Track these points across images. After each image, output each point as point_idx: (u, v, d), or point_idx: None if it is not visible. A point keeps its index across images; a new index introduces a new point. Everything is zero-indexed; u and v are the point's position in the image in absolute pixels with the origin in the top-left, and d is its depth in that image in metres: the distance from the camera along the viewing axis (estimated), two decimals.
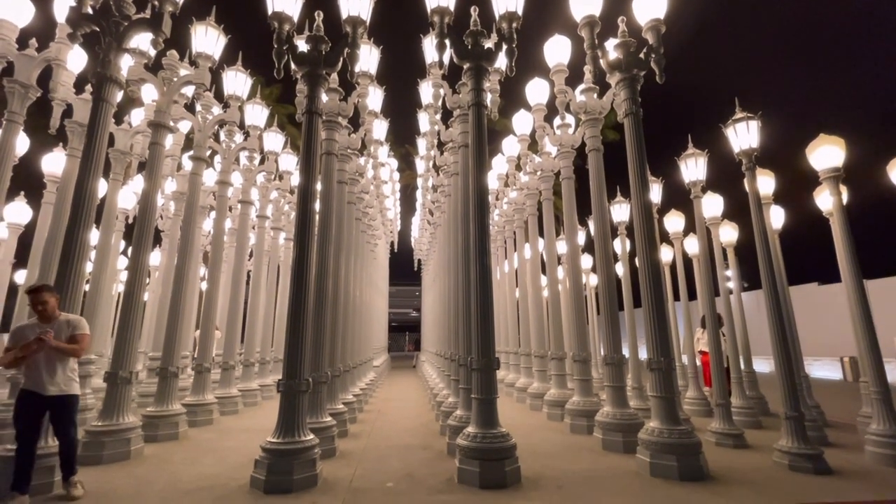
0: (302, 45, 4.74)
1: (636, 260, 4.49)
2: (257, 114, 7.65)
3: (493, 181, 9.14)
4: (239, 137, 7.84)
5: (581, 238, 10.27)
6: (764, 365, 15.53)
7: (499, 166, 9.23)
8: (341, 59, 4.62)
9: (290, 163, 9.17)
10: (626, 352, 5.62)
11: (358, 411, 6.90)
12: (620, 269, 8.21)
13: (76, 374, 3.57)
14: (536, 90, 6.80)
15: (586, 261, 11.72)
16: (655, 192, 7.26)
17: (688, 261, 8.23)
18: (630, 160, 4.59)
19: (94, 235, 7.67)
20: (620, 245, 7.53)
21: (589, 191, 5.64)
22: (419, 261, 19.20)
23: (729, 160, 5.18)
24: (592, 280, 12.22)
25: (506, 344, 10.52)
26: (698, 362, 7.63)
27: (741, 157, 4.94)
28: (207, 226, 10.97)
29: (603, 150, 5.67)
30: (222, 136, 7.45)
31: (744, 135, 4.92)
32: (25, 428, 3.33)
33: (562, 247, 10.38)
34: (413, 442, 5.22)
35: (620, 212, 7.64)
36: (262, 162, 8.44)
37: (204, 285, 10.41)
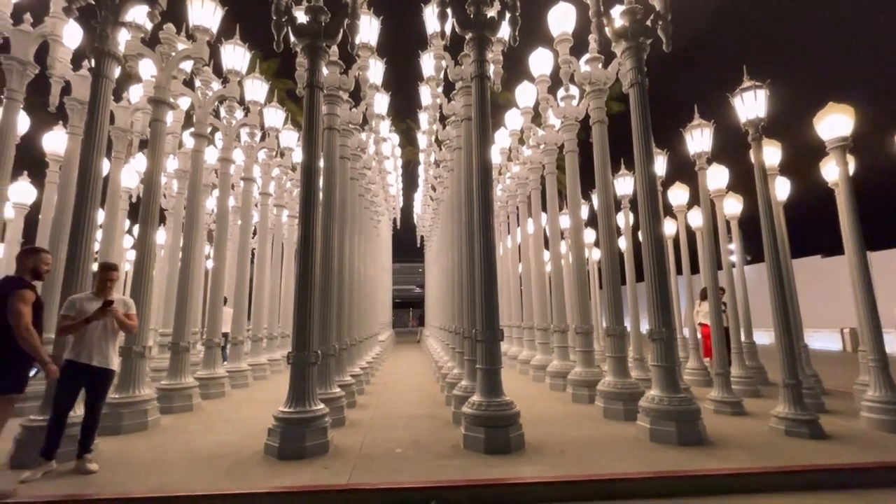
0: (301, 17, 4.64)
1: (639, 234, 4.51)
2: (257, 89, 7.55)
3: (495, 155, 9.06)
4: (239, 114, 7.75)
5: (584, 212, 10.24)
6: (764, 337, 15.71)
7: (502, 140, 9.13)
8: (341, 30, 4.53)
9: (291, 139, 9.09)
10: (627, 325, 5.69)
11: (365, 384, 7.08)
12: (623, 243, 8.23)
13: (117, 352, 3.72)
14: (540, 61, 6.66)
15: (589, 235, 11.72)
16: (660, 165, 7.20)
17: (691, 234, 8.23)
18: (635, 132, 4.54)
19: (99, 215, 7.72)
20: (624, 219, 7.52)
21: (593, 164, 5.60)
22: (422, 237, 19.23)
23: (736, 130, 5.12)
24: (595, 254, 12.25)
25: (509, 318, 10.67)
26: (699, 335, 7.73)
27: (747, 127, 4.88)
28: (210, 204, 11.01)
29: (607, 122, 5.60)
30: (222, 113, 7.37)
31: (751, 104, 4.84)
32: (65, 398, 3.45)
33: (565, 221, 10.37)
34: (419, 412, 5.39)
35: (624, 185, 7.60)
36: (262, 138, 8.38)
37: (210, 263, 10.57)
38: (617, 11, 4.80)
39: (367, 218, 8.91)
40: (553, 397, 6.20)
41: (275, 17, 4.37)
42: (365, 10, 5.65)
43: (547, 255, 9.25)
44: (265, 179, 9.03)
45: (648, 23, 4.56)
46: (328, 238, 5.09)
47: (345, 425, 4.69)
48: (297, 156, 9.27)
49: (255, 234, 11.40)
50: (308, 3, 4.63)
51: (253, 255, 10.52)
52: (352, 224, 6.80)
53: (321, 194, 4.93)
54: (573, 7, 5.88)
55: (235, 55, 6.77)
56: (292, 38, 4.85)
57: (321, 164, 4.81)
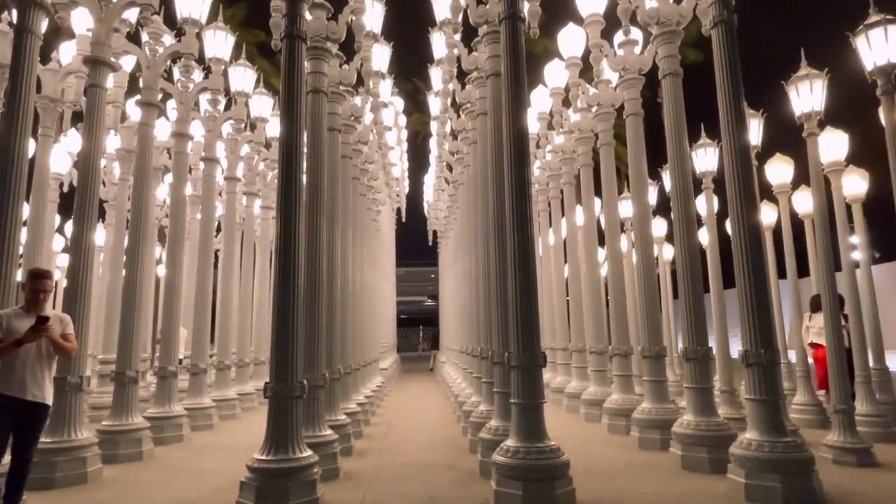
0: None
1: (728, 224, 4.45)
2: (220, 43, 7.71)
3: (532, 122, 9.06)
4: (198, 75, 7.94)
5: (652, 196, 10.13)
6: None
7: (540, 102, 9.13)
8: None
9: (264, 107, 9.27)
10: (712, 345, 5.63)
11: (364, 423, 7.15)
12: (706, 236, 8.12)
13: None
14: None
15: (659, 226, 11.61)
16: (754, 131, 7.09)
17: (798, 223, 8.07)
18: (720, 87, 4.48)
19: (23, 209, 7.98)
20: (706, 204, 7.43)
21: (662, 132, 5.56)
22: (435, 232, 19.33)
23: (854, 84, 5.01)
24: (667, 252, 12.13)
25: (551, 338, 10.65)
26: (810, 359, 7.57)
27: (876, 76, 4.76)
28: (163, 193, 11.28)
29: (682, 75, 5.56)
30: (177, 75, 7.55)
31: (880, 45, 4.72)
32: None
33: (626, 208, 10.29)
34: (435, 460, 5.42)
35: (706, 158, 7.51)
36: (228, 106, 8.56)
37: (162, 269, 10.81)
38: None
39: (363, 208, 9.00)
40: (613, 442, 6.17)
41: None
42: None
43: (602, 254, 9.19)
44: (231, 160, 9.23)
45: None
46: (315, 235, 5.16)
47: (339, 477, 4.75)
48: (273, 128, 9.45)
49: (218, 230, 11.61)
50: None
51: (217, 258, 10.71)
52: (344, 216, 6.88)
53: (304, 178, 5.00)
54: None
55: (194, 1, 6.93)
56: None
57: (304, 138, 4.88)
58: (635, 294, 8.24)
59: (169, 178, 9.38)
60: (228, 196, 9.39)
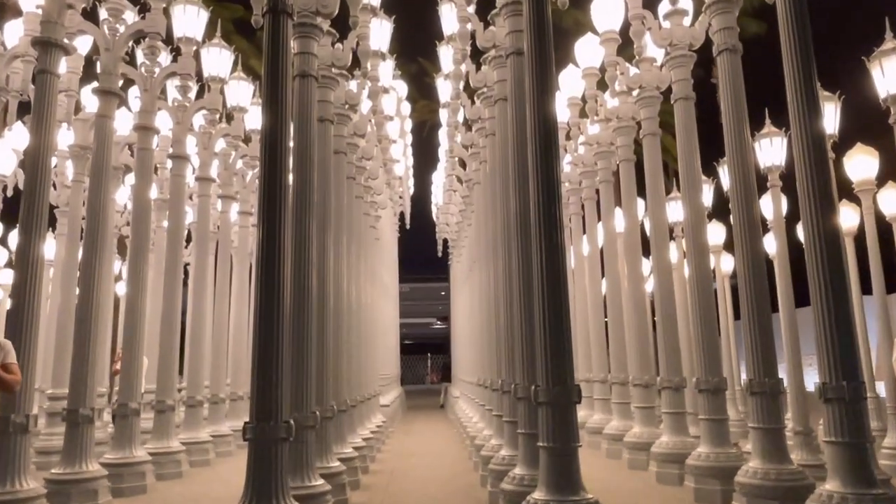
0: None
1: (799, 228, 4.42)
2: (191, 20, 7.85)
3: (562, 110, 9.10)
4: (165, 58, 8.06)
5: (707, 196, 10.09)
6: None
7: (571, 85, 9.16)
8: None
9: (243, 94, 9.39)
10: (783, 376, 5.57)
11: (362, 471, 7.14)
12: (772, 243, 8.06)
13: None
14: None
15: (716, 233, 11.53)
16: (829, 117, 7.05)
17: (885, 227, 8.00)
18: (788, 65, 4.46)
19: None
20: (772, 205, 7.39)
21: (718, 119, 5.55)
22: (445, 241, 19.36)
23: None
24: (726, 263, 12.04)
25: (587, 369, 10.57)
26: None
27: (889, 104, 4.72)
28: (123, 197, 11.44)
29: (741, 50, 5.55)
30: (141, 58, 7.67)
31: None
32: None
33: (676, 211, 10.24)
34: None
35: (772, 150, 7.49)
36: (200, 94, 8.67)
37: (122, 287, 10.90)
38: None
39: (360, 213, 9.06)
40: (664, 492, 6.12)
41: None
42: None
43: (647, 266, 9.15)
44: (204, 157, 9.35)
45: None
46: (303, 245, 5.20)
47: None
48: (254, 119, 9.55)
49: (189, 240, 11.72)
50: None
51: (187, 273, 10.81)
52: (337, 223, 6.93)
53: (291, 177, 5.05)
54: None
55: None
56: None
57: (291, 130, 4.93)
58: (688, 314, 8.16)
59: (131, 178, 9.52)
60: (200, 200, 9.50)
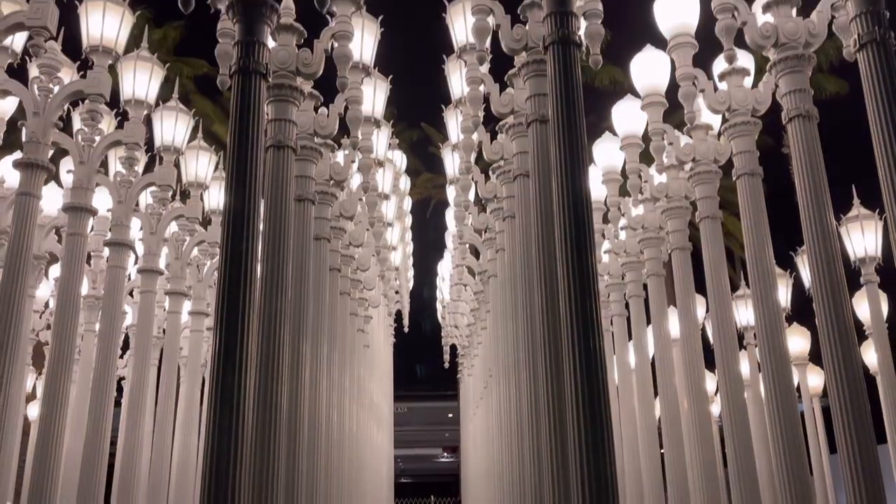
0: None
1: None
2: (143, 78, 8.17)
3: (597, 187, 9.23)
4: (108, 124, 8.34)
5: (783, 295, 10.07)
6: None
7: (608, 156, 9.33)
8: None
9: (202, 167, 9.62)
10: None
11: None
12: (871, 353, 7.98)
13: None
14: (672, 6, 6.99)
15: (798, 339, 11.43)
16: None
17: None
18: (876, 134, 4.60)
19: None
20: (868, 304, 7.37)
21: (793, 198, 5.62)
22: (453, 348, 19.19)
23: None
24: (813, 379, 11.86)
25: None
26: None
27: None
28: (45, 293, 11.50)
29: (817, 116, 5.71)
30: (78, 123, 7.94)
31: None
32: None
33: (746, 312, 10.19)
34: None
35: (863, 238, 7.54)
36: (150, 168, 8.89)
37: (34, 410, 10.67)
38: None
39: (345, 313, 9.06)
40: None
41: None
42: None
43: (712, 380, 9.02)
44: (151, 243, 9.41)
45: None
46: (272, 354, 5.16)
47: None
48: (215, 198, 9.74)
49: (126, 347, 11.69)
50: None
51: (120, 390, 10.70)
52: (316, 326, 6.92)
53: (260, 269, 5.11)
54: None
55: (107, 19, 7.45)
56: None
57: (261, 211, 5.04)
58: (768, 444, 7.95)
59: (56, 270, 9.60)
60: (143, 297, 9.52)
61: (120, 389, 9.78)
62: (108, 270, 8.62)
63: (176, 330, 10.60)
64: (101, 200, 8.83)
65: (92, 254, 10.05)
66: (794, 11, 5.85)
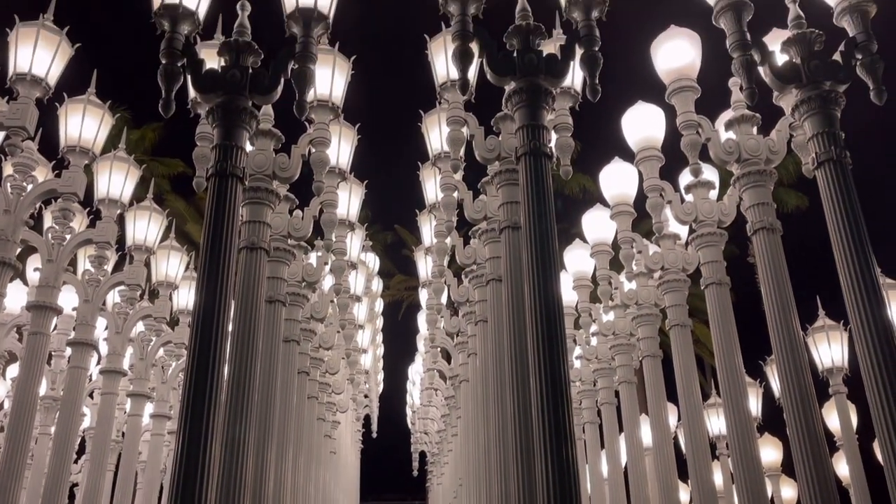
0: (211, 58, 5.30)
1: (875, 446, 4.41)
2: (119, 178, 8.25)
3: (568, 292, 9.31)
4: (80, 223, 8.36)
5: (754, 405, 10.10)
6: None
7: (578, 263, 9.47)
8: (282, 80, 5.14)
9: (173, 266, 9.61)
10: None
11: None
12: (843, 464, 7.96)
13: None
14: (639, 121, 7.28)
15: (770, 449, 11.37)
16: None
17: None
18: (837, 248, 4.76)
19: None
20: (838, 416, 7.41)
21: (760, 305, 5.72)
22: (423, 455, 18.79)
23: None
24: (786, 490, 11.74)
25: None
26: None
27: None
28: (0, 394, 11.17)
29: (781, 229, 5.88)
30: (49, 221, 7.96)
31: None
32: None
33: (716, 421, 10.16)
34: None
35: (829, 349, 7.66)
36: (119, 266, 8.85)
37: None
38: (774, 39, 5.41)
39: (313, 417, 8.91)
40: None
41: (165, 60, 4.99)
42: (324, 45, 6.45)
43: (685, 492, 8.89)
44: (116, 343, 9.27)
45: (838, 57, 5.11)
46: (236, 458, 5.04)
47: None
48: (184, 298, 9.67)
49: (81, 451, 11.32)
50: (225, 39, 5.34)
51: (73, 496, 10.29)
52: (282, 430, 6.79)
53: (227, 370, 5.05)
54: (693, 36, 6.63)
55: (86, 120, 7.59)
56: (192, 94, 5.49)
57: (231, 311, 5.02)
58: None
59: (14, 370, 9.37)
60: (104, 399, 9.30)
61: (73, 497, 9.39)
62: (69, 371, 8.46)
63: (136, 433, 10.33)
64: (67, 299, 8.74)
65: (53, 353, 9.87)
66: (754, 129, 6.14)
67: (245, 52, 5.15)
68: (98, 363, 9.75)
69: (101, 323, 9.17)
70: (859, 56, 5.10)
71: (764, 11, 5.51)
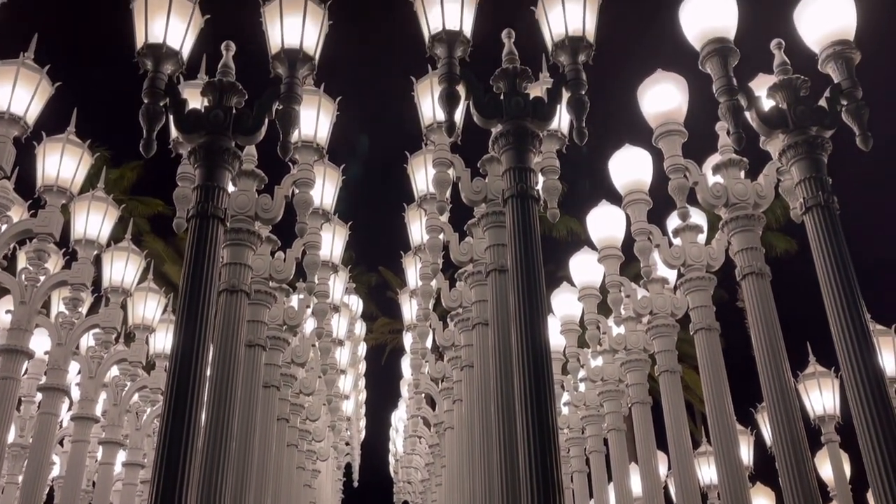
0: (194, 97, 5.31)
1: (869, 496, 4.37)
2: (97, 218, 8.20)
3: (556, 337, 9.28)
4: (55, 264, 8.28)
5: (746, 453, 10.05)
6: None
7: (566, 307, 9.45)
8: (266, 120, 5.15)
9: (150, 308, 9.52)
10: None
11: None
12: None
13: None
14: (626, 164, 7.34)
15: (762, 499, 11.29)
16: (890, 353, 7.33)
17: None
18: (826, 294, 4.78)
19: None
20: (831, 464, 7.38)
21: (750, 349, 5.72)
22: None
23: None
24: None
25: None
26: None
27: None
28: None
29: (770, 274, 5.90)
30: (23, 262, 7.87)
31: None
32: None
33: (707, 469, 10.09)
34: None
35: (821, 396, 7.66)
36: (94, 308, 8.75)
37: None
38: (761, 84, 5.50)
39: (292, 465, 8.77)
40: None
41: (148, 99, 4.99)
42: (310, 87, 6.49)
43: None
44: (88, 388, 9.12)
45: (824, 103, 5.19)
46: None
47: None
48: (161, 341, 9.56)
49: (50, 500, 11.05)
50: (209, 79, 5.36)
51: None
52: (261, 478, 6.66)
53: (204, 416, 4.97)
54: (680, 80, 6.72)
55: (65, 160, 7.57)
56: (174, 133, 5.49)
57: (209, 355, 4.96)
58: None
59: None
60: (75, 446, 9.12)
61: None
62: (39, 417, 8.30)
63: (108, 482, 10.09)
64: (39, 342, 8.62)
65: (23, 399, 9.70)
66: (742, 173, 6.20)
67: (229, 93, 5.17)
68: (69, 409, 9.57)
69: (73, 367, 9.02)
70: (845, 102, 5.19)
71: (750, 55, 5.62)
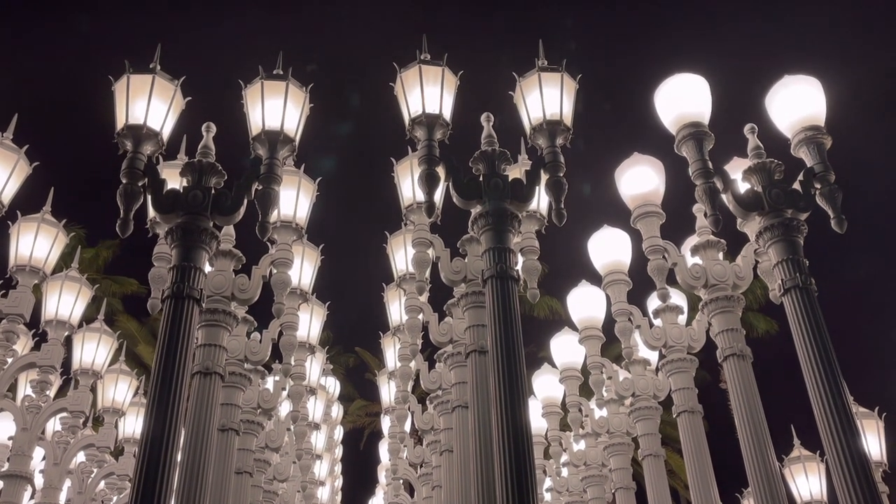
0: (173, 177, 5.38)
1: None
2: (69, 298, 8.14)
3: (537, 420, 9.20)
4: (23, 346, 8.17)
5: None
6: None
7: (547, 389, 9.40)
8: (245, 201, 5.23)
9: (121, 391, 9.36)
10: None
11: None
12: None
13: None
14: (605, 245, 7.45)
15: None
16: (874, 437, 7.32)
17: None
18: (808, 377, 4.83)
19: None
20: None
21: (734, 433, 5.70)
22: None
23: None
24: None
25: None
26: None
27: None
28: None
29: (751, 356, 5.95)
30: None
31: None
32: None
33: None
34: None
35: (807, 479, 7.62)
36: (62, 391, 8.57)
37: None
38: (736, 168, 5.67)
39: None
40: None
41: (126, 179, 5.06)
42: (290, 167, 6.60)
43: None
44: (53, 475, 8.87)
45: (797, 186, 5.35)
46: None
47: None
48: (130, 425, 9.36)
49: None
50: (188, 160, 5.44)
51: None
52: None
53: (173, 503, 4.87)
54: (656, 163, 6.89)
55: (39, 241, 7.57)
56: (151, 213, 5.54)
57: (181, 440, 4.89)
58: None
59: None
60: None
61: None
62: None
63: None
64: (2, 427, 8.43)
65: None
66: (720, 255, 6.32)
67: (208, 173, 5.27)
68: (31, 497, 9.27)
69: (37, 453, 8.79)
70: (818, 186, 5.36)
71: (724, 134, 5.80)
